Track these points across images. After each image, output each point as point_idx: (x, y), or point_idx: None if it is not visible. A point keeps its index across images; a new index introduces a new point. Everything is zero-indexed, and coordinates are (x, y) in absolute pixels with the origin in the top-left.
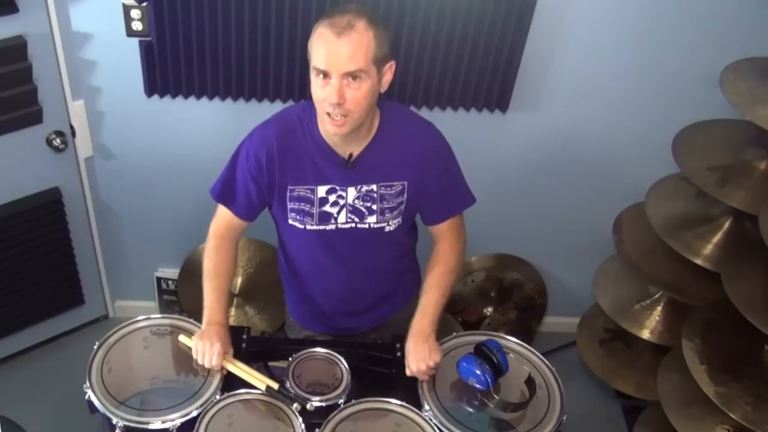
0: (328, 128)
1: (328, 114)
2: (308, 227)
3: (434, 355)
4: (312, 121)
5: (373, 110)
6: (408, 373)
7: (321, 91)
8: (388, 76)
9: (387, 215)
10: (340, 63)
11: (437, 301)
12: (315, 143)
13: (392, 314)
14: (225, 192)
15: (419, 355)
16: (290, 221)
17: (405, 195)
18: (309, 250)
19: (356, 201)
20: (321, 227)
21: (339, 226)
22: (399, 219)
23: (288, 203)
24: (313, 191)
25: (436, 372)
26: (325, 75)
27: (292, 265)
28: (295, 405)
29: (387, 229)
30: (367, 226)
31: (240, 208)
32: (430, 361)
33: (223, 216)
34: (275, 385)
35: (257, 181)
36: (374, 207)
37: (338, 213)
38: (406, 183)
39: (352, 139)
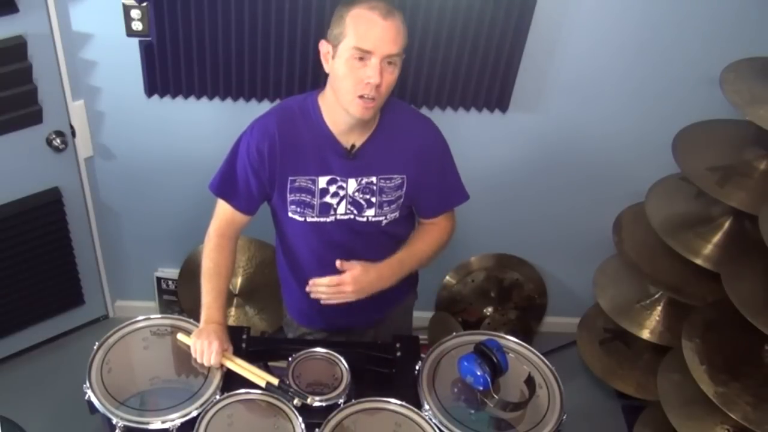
0: (354, 111)
1: (361, 96)
2: (308, 219)
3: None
4: (314, 109)
5: None
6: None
7: (359, 72)
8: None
9: (385, 209)
10: (385, 44)
11: (414, 267)
12: (318, 132)
13: (390, 309)
14: (225, 186)
15: (360, 276)
16: (290, 214)
17: (404, 189)
18: (308, 243)
19: (356, 193)
20: (321, 219)
21: (338, 217)
22: (396, 213)
23: (288, 195)
24: (314, 182)
25: (436, 370)
26: (365, 56)
27: (292, 258)
28: (296, 400)
29: (384, 222)
30: (365, 219)
31: (240, 201)
32: (350, 285)
33: (223, 213)
34: (275, 381)
35: (258, 173)
36: (373, 200)
37: (338, 204)
38: (405, 177)
39: (356, 130)
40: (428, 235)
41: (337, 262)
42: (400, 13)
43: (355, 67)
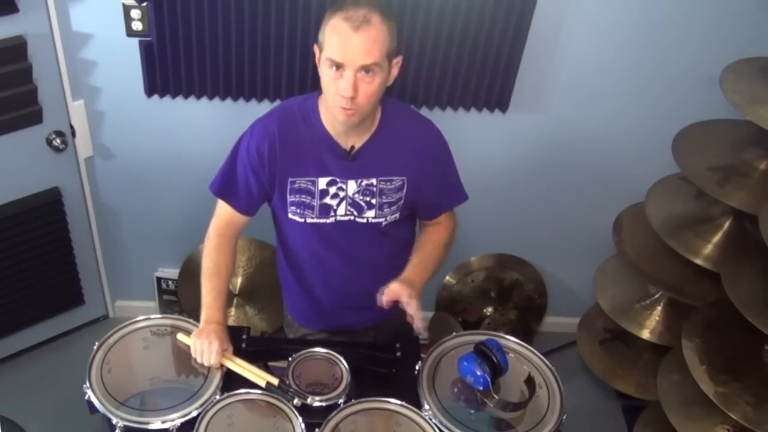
0: (338, 117)
1: (341, 106)
2: (308, 220)
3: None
4: (314, 111)
5: (378, 103)
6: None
7: (334, 84)
8: (394, 71)
9: (385, 210)
10: (356, 57)
11: (430, 267)
12: (317, 134)
13: (391, 311)
14: (225, 186)
15: (406, 289)
16: (290, 215)
17: (404, 191)
18: (308, 244)
19: (356, 195)
20: (321, 220)
21: (338, 218)
22: (396, 215)
23: (288, 196)
24: (314, 183)
25: (436, 370)
26: (339, 67)
27: (292, 259)
28: (296, 400)
29: (384, 224)
30: (365, 220)
31: (240, 202)
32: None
33: (224, 213)
34: (275, 381)
35: (258, 174)
36: (373, 201)
37: (338, 205)
38: (405, 179)
39: (355, 131)
40: (434, 236)
41: (384, 299)
42: (382, 18)
43: (332, 78)
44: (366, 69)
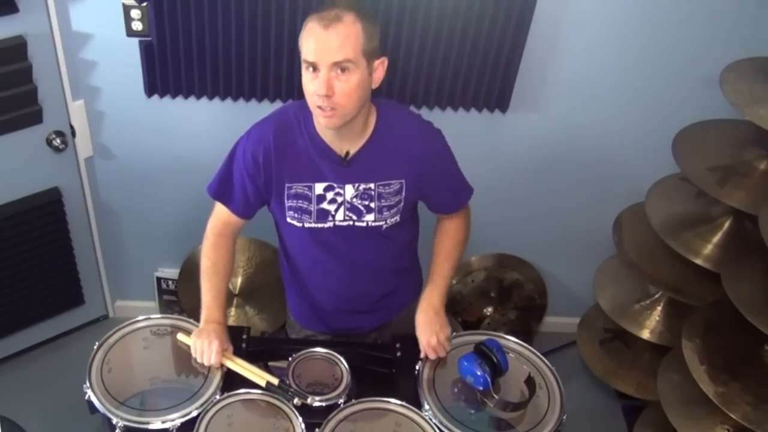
0: (320, 121)
1: (319, 107)
2: (306, 225)
3: (445, 328)
4: (308, 118)
5: (366, 106)
6: (422, 348)
7: (311, 85)
8: (379, 72)
9: (385, 213)
10: (327, 54)
11: (448, 274)
12: (311, 140)
13: (394, 313)
14: (222, 190)
15: (431, 328)
16: (288, 219)
17: (403, 193)
18: (308, 249)
19: (354, 199)
20: (319, 225)
21: (336, 223)
22: (397, 217)
23: (286, 201)
24: (310, 188)
25: (436, 370)
26: (315, 68)
27: (293, 263)
28: (296, 400)
29: (384, 227)
30: (364, 224)
31: (237, 205)
32: (441, 335)
33: (221, 214)
34: (275, 381)
35: (254, 179)
36: (372, 205)
37: (336, 210)
38: (404, 181)
39: (348, 136)
40: (450, 233)
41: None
42: (356, 17)
43: (309, 80)
44: (340, 67)
